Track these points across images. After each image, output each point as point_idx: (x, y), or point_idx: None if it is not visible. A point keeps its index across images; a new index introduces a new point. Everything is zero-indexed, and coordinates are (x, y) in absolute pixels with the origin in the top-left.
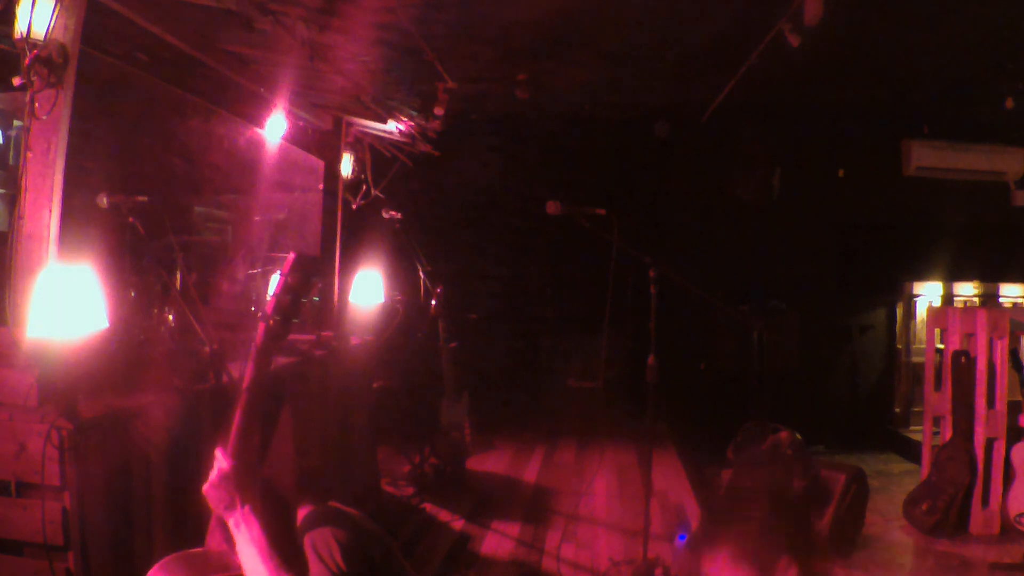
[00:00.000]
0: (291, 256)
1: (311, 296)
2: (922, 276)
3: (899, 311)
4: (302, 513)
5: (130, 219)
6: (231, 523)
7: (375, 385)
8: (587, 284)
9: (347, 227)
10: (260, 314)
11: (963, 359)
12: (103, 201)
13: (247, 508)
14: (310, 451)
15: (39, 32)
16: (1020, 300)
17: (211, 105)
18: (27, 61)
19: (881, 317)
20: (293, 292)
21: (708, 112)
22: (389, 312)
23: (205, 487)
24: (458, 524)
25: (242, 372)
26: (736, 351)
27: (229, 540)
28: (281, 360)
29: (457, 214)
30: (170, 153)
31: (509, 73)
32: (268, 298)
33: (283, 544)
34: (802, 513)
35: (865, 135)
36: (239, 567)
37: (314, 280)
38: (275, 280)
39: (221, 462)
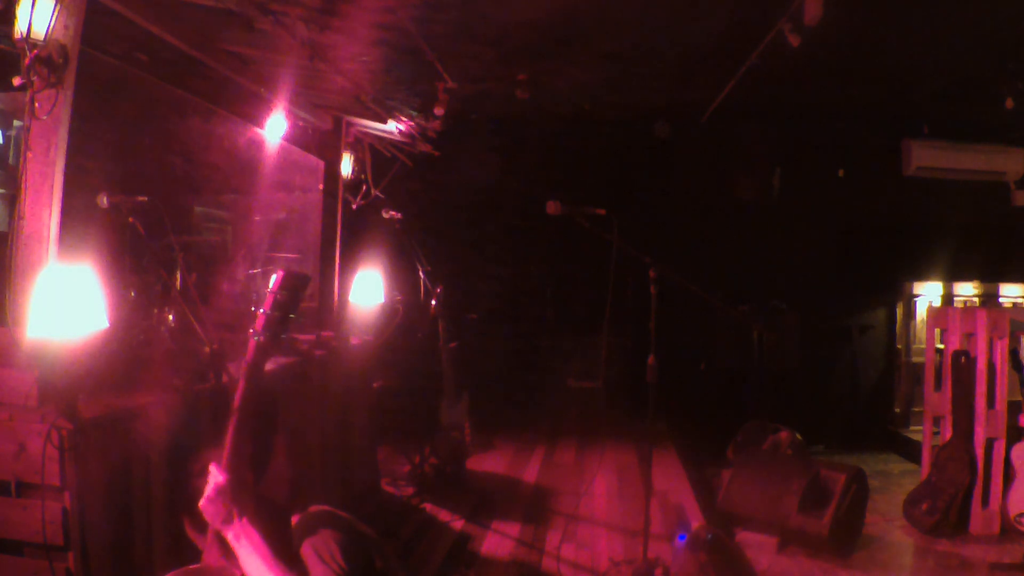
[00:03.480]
0: (280, 274)
1: (297, 314)
2: (922, 276)
3: (899, 311)
4: (294, 519)
5: (130, 219)
6: (230, 536)
7: (375, 385)
8: (587, 284)
9: (347, 227)
10: (251, 331)
11: (963, 359)
12: (103, 201)
13: (244, 520)
14: (301, 457)
15: (39, 32)
16: (1020, 300)
17: (211, 105)
18: (27, 61)
19: (881, 317)
20: (282, 309)
21: (708, 112)
22: (389, 312)
23: (202, 502)
24: (458, 524)
25: (233, 388)
26: (736, 351)
27: (227, 555)
28: (281, 360)
29: (457, 214)
30: (170, 153)
31: (509, 73)
32: (258, 315)
33: (283, 552)
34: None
35: (865, 135)
36: None
37: (301, 297)
38: (264, 298)
39: (216, 476)
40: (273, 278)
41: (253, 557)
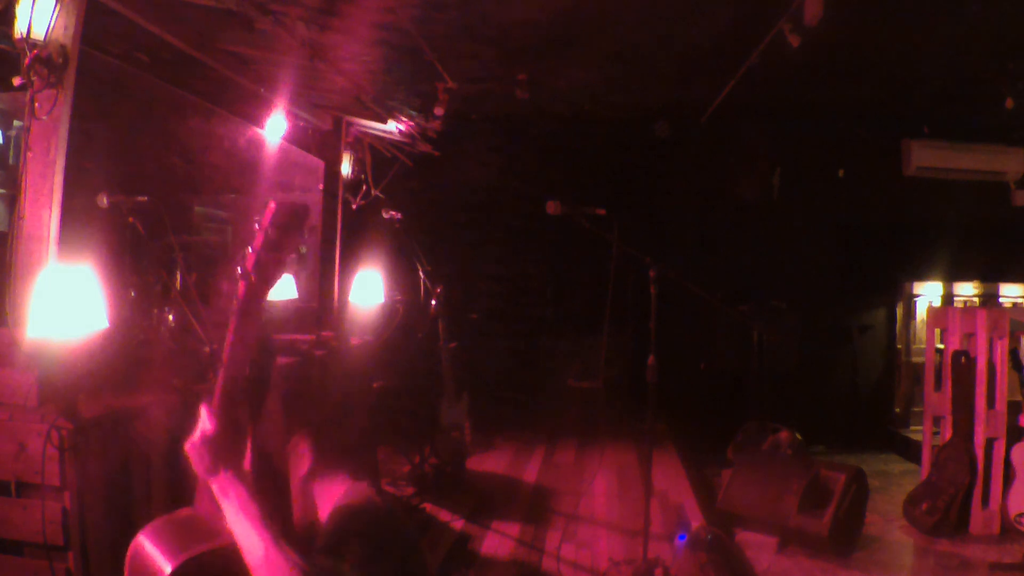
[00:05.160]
0: (271, 206)
1: (299, 249)
2: (922, 276)
3: (899, 311)
4: (341, 487)
5: (130, 219)
6: (215, 488)
7: (375, 385)
8: (587, 284)
9: (347, 227)
10: (239, 271)
11: (963, 359)
12: (103, 201)
13: (230, 473)
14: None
15: (39, 32)
16: (1020, 300)
17: (211, 105)
18: (27, 61)
19: (881, 317)
20: (275, 248)
21: (708, 112)
22: (389, 312)
23: (188, 445)
24: (458, 524)
25: (224, 334)
26: (736, 351)
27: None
28: (281, 360)
29: (457, 214)
30: (170, 153)
31: (509, 73)
32: (247, 253)
33: (278, 517)
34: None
35: (865, 135)
36: (230, 532)
37: (303, 231)
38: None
39: (205, 423)
40: (264, 212)
41: (239, 516)
